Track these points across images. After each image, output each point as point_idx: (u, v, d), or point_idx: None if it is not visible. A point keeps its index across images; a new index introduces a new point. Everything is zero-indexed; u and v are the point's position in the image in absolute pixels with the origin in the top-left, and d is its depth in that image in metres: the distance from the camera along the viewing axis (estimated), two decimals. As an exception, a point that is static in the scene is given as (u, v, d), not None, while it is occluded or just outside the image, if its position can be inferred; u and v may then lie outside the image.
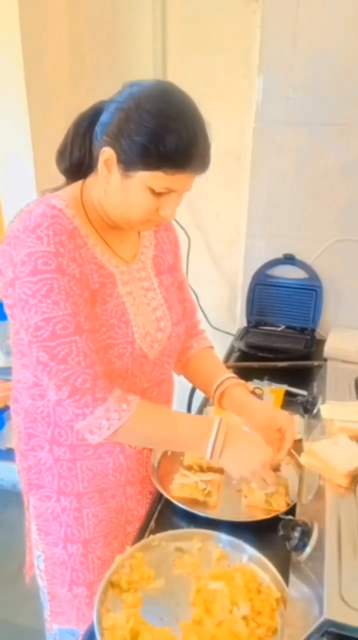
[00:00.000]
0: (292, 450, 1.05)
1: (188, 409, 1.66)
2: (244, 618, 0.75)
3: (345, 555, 0.67)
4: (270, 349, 1.79)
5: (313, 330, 1.94)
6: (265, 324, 1.99)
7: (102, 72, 1.81)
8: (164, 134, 0.78)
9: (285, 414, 1.04)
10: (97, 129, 0.86)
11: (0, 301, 0.90)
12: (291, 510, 0.96)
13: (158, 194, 0.84)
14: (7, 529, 2.16)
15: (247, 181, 1.91)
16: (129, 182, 0.83)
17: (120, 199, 0.86)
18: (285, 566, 0.80)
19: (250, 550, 0.88)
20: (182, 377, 1.21)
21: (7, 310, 0.90)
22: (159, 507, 1.03)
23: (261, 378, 1.56)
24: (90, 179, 0.92)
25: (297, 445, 1.04)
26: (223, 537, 0.91)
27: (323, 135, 1.74)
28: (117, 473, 1.04)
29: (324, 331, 1.93)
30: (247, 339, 1.89)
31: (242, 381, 1.11)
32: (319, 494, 0.83)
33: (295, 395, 1.41)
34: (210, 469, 1.09)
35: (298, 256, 1.92)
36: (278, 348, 1.80)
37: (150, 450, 1.09)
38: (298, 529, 0.75)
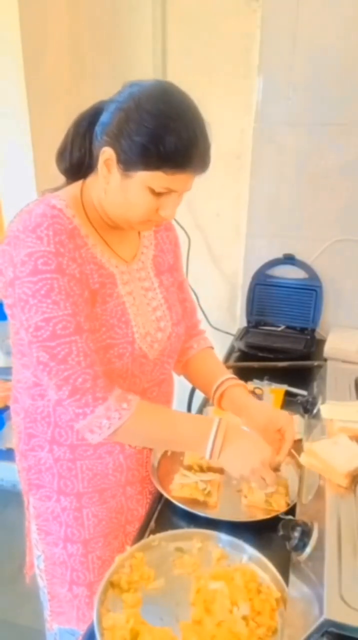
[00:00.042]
0: (292, 451, 1.05)
1: (188, 409, 1.66)
2: (244, 618, 0.75)
3: (345, 555, 0.67)
4: (270, 349, 1.79)
5: (313, 330, 1.94)
6: (265, 324, 1.99)
7: (102, 72, 1.81)
8: (163, 134, 0.78)
9: (284, 414, 1.04)
10: (97, 129, 0.86)
11: (0, 301, 0.90)
12: (291, 510, 0.96)
13: (158, 194, 0.84)
14: (7, 529, 2.16)
15: (247, 181, 1.91)
16: (129, 182, 0.83)
17: (120, 199, 0.86)
18: (285, 566, 0.80)
19: (250, 550, 0.88)
20: (182, 377, 1.21)
21: (7, 310, 0.90)
22: (159, 507, 1.03)
23: (261, 378, 1.56)
24: (90, 179, 0.92)
25: (297, 445, 1.04)
26: (223, 537, 0.91)
27: (323, 135, 1.74)
28: (117, 473, 1.04)
29: (324, 331, 1.93)
30: (247, 339, 1.89)
31: (241, 382, 1.11)
32: (319, 494, 0.83)
33: (295, 395, 1.41)
34: (210, 469, 1.09)
35: (298, 256, 1.92)
36: (278, 348, 1.80)
37: (150, 450, 1.09)
38: (298, 529, 0.75)
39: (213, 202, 2.01)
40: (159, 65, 1.87)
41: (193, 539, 0.91)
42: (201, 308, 1.84)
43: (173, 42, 1.86)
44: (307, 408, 1.17)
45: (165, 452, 1.16)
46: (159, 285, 1.03)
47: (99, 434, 0.86)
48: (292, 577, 0.75)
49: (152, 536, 0.91)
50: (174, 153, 0.79)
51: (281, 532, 0.77)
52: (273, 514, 0.97)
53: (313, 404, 1.15)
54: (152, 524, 0.99)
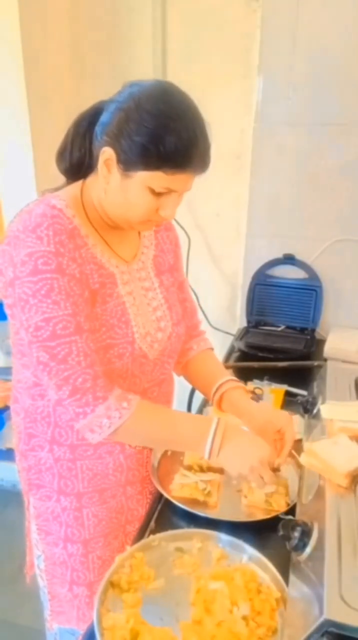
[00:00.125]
0: (292, 451, 1.05)
1: (188, 409, 1.66)
2: (244, 618, 0.75)
3: (345, 555, 0.67)
4: (270, 349, 1.79)
5: (313, 330, 1.94)
6: (265, 324, 1.99)
7: (102, 72, 1.81)
8: (163, 134, 0.78)
9: (284, 414, 1.04)
10: (97, 129, 0.86)
11: (0, 301, 0.90)
12: (291, 510, 0.96)
13: (158, 194, 0.84)
14: (7, 529, 2.16)
15: (247, 181, 1.91)
16: (129, 182, 0.83)
17: (120, 199, 0.86)
18: (285, 566, 0.80)
19: (250, 550, 0.88)
20: (182, 377, 1.21)
21: (7, 310, 0.90)
22: (159, 507, 1.03)
23: (261, 378, 1.56)
24: (90, 179, 0.92)
25: (297, 445, 1.04)
26: (223, 537, 0.91)
27: (323, 135, 1.74)
28: (118, 473, 1.04)
29: (324, 331, 1.93)
30: (247, 339, 1.89)
31: (241, 384, 1.11)
32: (319, 494, 0.83)
33: (295, 395, 1.41)
34: (210, 469, 1.09)
35: (298, 256, 1.92)
36: (278, 348, 1.80)
37: (151, 450, 1.09)
38: (298, 529, 0.75)
39: (213, 202, 2.01)
40: (159, 65, 1.87)
41: (193, 539, 0.91)
42: (201, 308, 1.84)
43: (173, 42, 1.85)
44: (307, 408, 1.17)
45: (165, 452, 1.16)
46: (159, 285, 1.03)
47: (99, 434, 0.86)
48: (292, 577, 0.75)
49: (152, 536, 0.91)
50: (173, 153, 0.79)
51: (281, 532, 0.77)
52: (273, 514, 0.97)
53: (313, 404, 1.15)
54: (152, 524, 0.99)
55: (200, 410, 1.40)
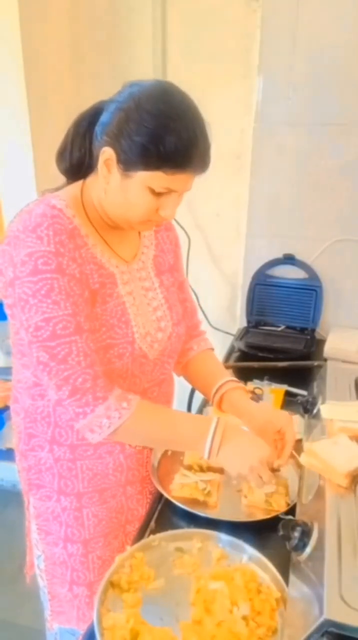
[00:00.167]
0: (292, 451, 1.05)
1: (188, 409, 1.66)
2: (244, 618, 0.75)
3: (345, 555, 0.67)
4: (270, 349, 1.79)
5: (313, 330, 1.94)
6: (265, 324, 1.99)
7: (102, 72, 1.81)
8: (163, 134, 0.78)
9: (284, 415, 1.04)
10: (97, 129, 0.86)
11: (0, 301, 0.90)
12: (291, 510, 0.96)
13: (158, 194, 0.84)
14: (7, 529, 2.16)
15: (247, 181, 1.91)
16: (129, 182, 0.83)
17: (120, 199, 0.86)
18: (285, 566, 0.80)
19: (250, 550, 0.88)
20: (182, 377, 1.21)
21: (7, 310, 0.90)
22: (159, 507, 1.03)
23: (261, 378, 1.56)
24: (90, 179, 0.92)
25: (297, 445, 1.04)
26: (223, 537, 0.91)
27: (323, 135, 1.74)
28: (118, 473, 1.04)
29: (324, 331, 1.93)
30: (247, 339, 1.89)
31: (241, 384, 1.11)
32: (319, 494, 0.83)
33: (295, 395, 1.41)
34: (210, 469, 1.09)
35: (298, 256, 1.92)
36: (278, 348, 1.80)
37: (151, 450, 1.09)
38: (298, 529, 0.75)
39: (213, 202, 2.01)
40: (159, 65, 1.87)
41: (193, 539, 0.91)
42: (201, 308, 1.84)
43: (173, 42, 1.86)
44: (307, 408, 1.17)
45: (165, 452, 1.16)
46: (159, 285, 1.03)
47: (98, 434, 0.86)
48: (292, 577, 0.75)
49: (152, 536, 0.91)
50: (173, 153, 0.79)
51: (281, 532, 0.77)
52: (273, 514, 0.97)
53: (313, 404, 1.15)
54: (152, 524, 0.99)
55: (200, 410, 1.40)
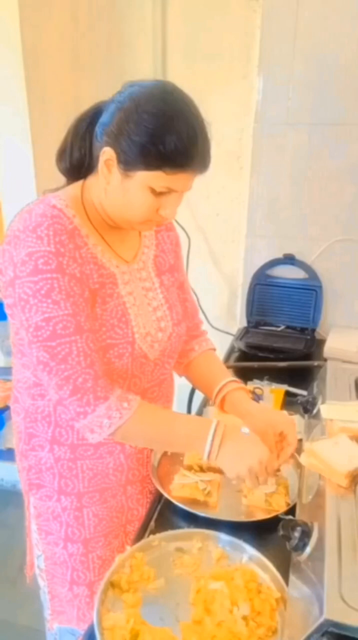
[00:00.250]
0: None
1: (188, 409, 1.66)
2: (244, 618, 0.75)
3: (345, 555, 0.67)
4: (270, 349, 1.79)
5: (313, 330, 1.94)
6: (265, 324, 1.99)
7: (102, 72, 1.81)
8: (164, 134, 0.78)
9: (286, 418, 1.03)
10: (97, 129, 0.86)
11: (0, 301, 0.90)
12: (291, 510, 0.95)
13: (158, 194, 0.84)
14: (7, 529, 2.16)
15: (247, 181, 1.91)
16: (129, 182, 0.83)
17: (120, 199, 0.86)
18: (285, 566, 0.80)
19: (250, 550, 0.88)
20: (182, 377, 1.21)
21: (7, 310, 0.90)
22: (158, 507, 1.03)
23: (261, 378, 1.56)
24: (91, 179, 0.92)
25: (297, 445, 1.04)
26: (223, 537, 0.91)
27: (323, 135, 1.75)
28: (118, 472, 1.04)
29: (324, 331, 1.93)
30: (247, 339, 1.89)
31: (242, 385, 1.11)
32: (319, 494, 0.83)
33: (295, 395, 1.41)
34: (210, 469, 1.09)
35: (298, 256, 1.92)
36: (278, 348, 1.80)
37: (151, 450, 1.09)
38: (298, 529, 0.75)
39: (213, 202, 2.01)
40: (159, 65, 1.87)
41: (193, 539, 0.91)
42: (201, 308, 1.84)
43: (173, 42, 1.86)
44: (307, 408, 1.17)
45: (165, 452, 1.16)
46: (159, 286, 1.03)
47: (99, 434, 0.86)
48: (292, 577, 0.75)
49: (152, 536, 0.91)
50: (174, 153, 0.79)
51: (281, 532, 0.77)
52: (273, 514, 0.97)
53: (313, 404, 1.15)
54: (152, 524, 0.99)
55: (200, 410, 1.40)
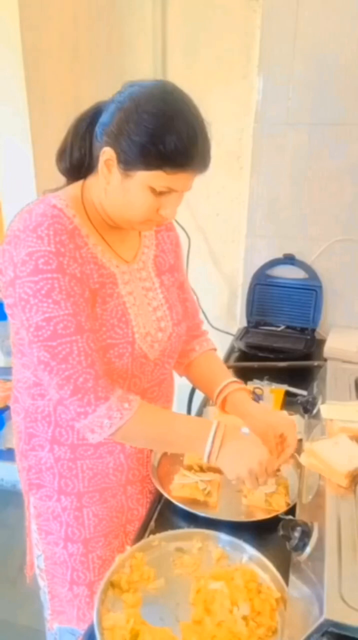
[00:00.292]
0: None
1: (188, 409, 1.66)
2: (244, 618, 0.75)
3: (345, 555, 0.67)
4: (270, 349, 1.79)
5: (313, 330, 1.94)
6: (265, 324, 1.99)
7: (102, 72, 1.81)
8: (164, 134, 0.78)
9: (286, 419, 1.03)
10: (97, 129, 0.86)
11: (0, 301, 0.90)
12: (291, 510, 0.96)
13: (159, 194, 0.84)
14: (7, 529, 2.16)
15: (247, 181, 1.91)
16: (130, 182, 0.83)
17: (120, 199, 0.86)
18: (285, 566, 0.80)
19: (250, 550, 0.88)
20: (181, 377, 1.21)
21: (7, 310, 0.90)
22: (158, 507, 1.03)
23: (261, 378, 1.56)
24: (91, 179, 0.92)
25: (297, 445, 1.04)
26: (223, 537, 0.91)
27: (323, 135, 1.75)
28: (118, 472, 1.04)
29: (324, 331, 1.93)
30: (247, 339, 1.89)
31: (243, 386, 1.11)
32: (319, 494, 0.83)
33: (295, 395, 1.41)
34: (210, 469, 1.09)
35: (298, 256, 1.92)
36: (278, 348, 1.80)
37: (151, 449, 1.09)
38: (298, 529, 0.75)
39: (213, 202, 2.01)
40: (159, 65, 1.88)
41: (193, 539, 0.92)
42: (201, 308, 1.84)
43: (173, 42, 1.86)
44: (307, 408, 1.17)
45: (165, 452, 1.15)
46: (159, 285, 1.03)
47: (99, 434, 0.86)
48: (292, 577, 0.75)
49: (152, 536, 0.91)
50: (174, 152, 0.79)
51: (281, 532, 0.77)
52: (273, 514, 0.97)
53: (313, 404, 1.15)
54: (152, 524, 0.99)
55: (200, 410, 1.40)
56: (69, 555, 1.06)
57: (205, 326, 1.26)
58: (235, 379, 1.12)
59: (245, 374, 1.54)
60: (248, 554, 0.88)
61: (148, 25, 1.84)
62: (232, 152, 1.91)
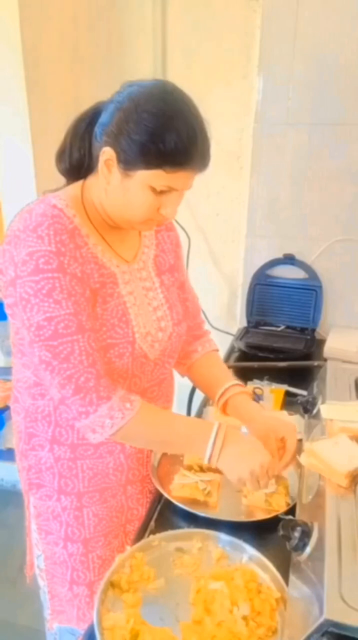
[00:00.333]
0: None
1: (188, 409, 1.66)
2: (244, 618, 0.75)
3: (345, 555, 0.67)
4: (270, 349, 1.79)
5: (313, 330, 1.94)
6: (265, 324, 1.99)
7: (102, 72, 1.81)
8: (163, 133, 0.78)
9: (286, 424, 1.02)
10: (97, 129, 0.86)
11: (0, 301, 0.90)
12: (291, 510, 0.95)
13: (159, 193, 0.84)
14: (7, 529, 2.16)
15: (247, 181, 1.91)
16: (130, 181, 0.83)
17: (121, 199, 0.86)
18: (285, 566, 0.80)
19: (250, 550, 0.88)
20: (184, 377, 1.21)
21: (7, 310, 0.90)
22: (158, 507, 1.03)
23: (261, 378, 1.56)
24: (90, 180, 0.92)
25: (297, 446, 1.04)
26: (223, 537, 0.91)
27: (323, 135, 1.75)
28: (118, 472, 1.04)
29: (324, 331, 1.93)
30: (247, 339, 1.89)
31: (245, 389, 1.10)
32: (319, 494, 0.83)
33: (295, 395, 1.41)
34: (210, 469, 1.09)
35: (298, 256, 1.92)
36: (278, 348, 1.80)
37: (151, 449, 1.09)
38: (298, 529, 0.75)
39: (213, 202, 2.01)
40: (159, 65, 1.88)
41: (193, 539, 0.91)
42: (201, 308, 1.84)
43: (173, 42, 1.86)
44: (307, 408, 1.17)
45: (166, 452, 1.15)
46: (159, 285, 1.03)
47: (100, 433, 0.86)
48: (292, 577, 0.75)
49: (152, 536, 0.91)
50: (174, 151, 0.79)
51: (281, 532, 0.77)
52: (273, 514, 0.97)
53: (313, 404, 1.15)
54: (152, 524, 0.99)
55: (200, 410, 1.40)
56: (68, 555, 1.06)
57: (206, 326, 1.26)
58: (236, 381, 1.11)
59: (245, 374, 1.54)
60: (248, 554, 0.88)
61: (148, 25, 1.84)
62: (232, 152, 1.91)
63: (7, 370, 1.44)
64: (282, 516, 0.91)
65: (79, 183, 0.93)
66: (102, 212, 0.92)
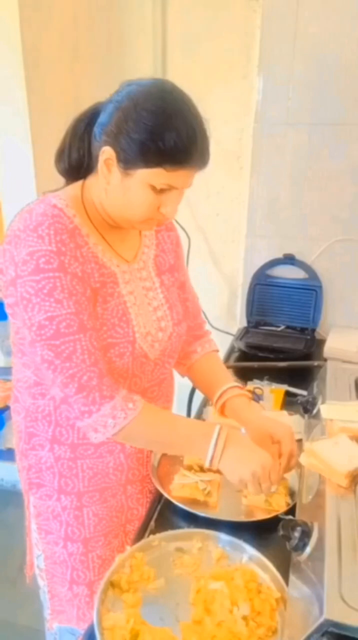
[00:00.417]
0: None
1: (188, 409, 1.66)
2: (244, 618, 0.75)
3: (345, 555, 0.67)
4: (270, 349, 1.79)
5: (313, 330, 1.94)
6: (265, 324, 1.99)
7: (102, 72, 1.81)
8: (163, 131, 0.79)
9: (283, 427, 1.01)
10: (96, 129, 0.86)
11: (0, 301, 0.90)
12: (291, 510, 0.95)
13: (159, 191, 0.84)
14: (7, 529, 2.16)
15: (247, 181, 1.91)
16: (130, 180, 0.83)
17: (121, 198, 0.86)
18: (285, 566, 0.80)
19: (250, 550, 0.88)
20: (184, 377, 1.21)
21: (7, 310, 0.90)
22: (158, 507, 1.03)
23: (261, 378, 1.56)
24: (90, 179, 0.92)
25: (297, 446, 1.04)
26: (223, 537, 0.91)
27: (323, 135, 1.75)
28: (118, 472, 1.04)
29: (324, 331, 1.93)
30: (247, 339, 1.89)
31: (243, 391, 1.10)
32: (319, 494, 0.83)
33: (295, 395, 1.41)
34: (210, 469, 1.09)
35: (298, 256, 1.92)
36: (278, 348, 1.80)
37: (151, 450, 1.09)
38: (298, 529, 0.75)
39: (213, 202, 2.01)
40: (159, 65, 1.88)
41: (193, 539, 0.91)
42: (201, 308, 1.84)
43: (173, 42, 1.86)
44: (307, 408, 1.17)
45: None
46: (160, 285, 1.03)
47: (102, 433, 0.86)
48: (292, 577, 0.75)
49: (152, 536, 0.91)
50: (173, 149, 0.80)
51: (281, 532, 0.77)
52: (273, 514, 0.97)
53: (313, 404, 1.15)
54: (152, 523, 0.99)
55: (200, 410, 1.40)
56: (68, 555, 1.06)
57: (206, 326, 1.26)
58: (235, 383, 1.11)
59: (245, 374, 1.55)
60: (248, 554, 0.88)
61: (148, 25, 1.84)
62: (232, 152, 1.91)
63: (7, 370, 1.44)
64: (282, 516, 0.91)
65: (79, 183, 0.93)
66: (102, 211, 0.92)
